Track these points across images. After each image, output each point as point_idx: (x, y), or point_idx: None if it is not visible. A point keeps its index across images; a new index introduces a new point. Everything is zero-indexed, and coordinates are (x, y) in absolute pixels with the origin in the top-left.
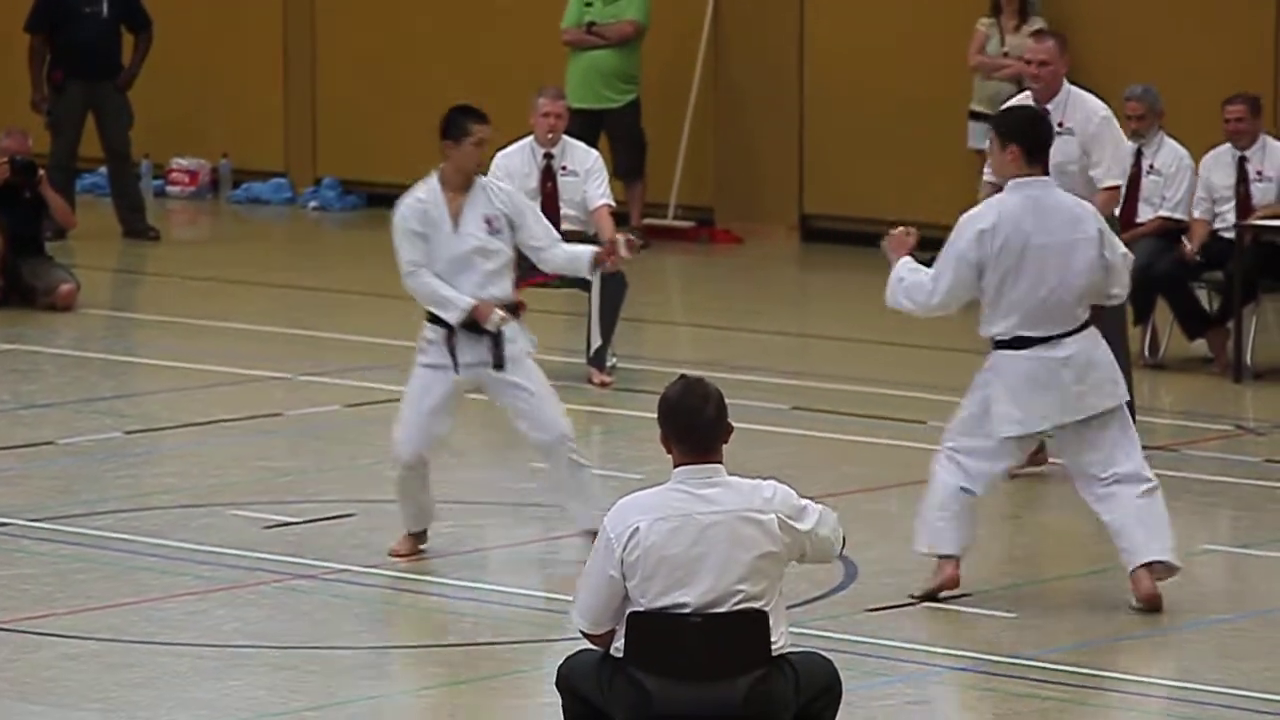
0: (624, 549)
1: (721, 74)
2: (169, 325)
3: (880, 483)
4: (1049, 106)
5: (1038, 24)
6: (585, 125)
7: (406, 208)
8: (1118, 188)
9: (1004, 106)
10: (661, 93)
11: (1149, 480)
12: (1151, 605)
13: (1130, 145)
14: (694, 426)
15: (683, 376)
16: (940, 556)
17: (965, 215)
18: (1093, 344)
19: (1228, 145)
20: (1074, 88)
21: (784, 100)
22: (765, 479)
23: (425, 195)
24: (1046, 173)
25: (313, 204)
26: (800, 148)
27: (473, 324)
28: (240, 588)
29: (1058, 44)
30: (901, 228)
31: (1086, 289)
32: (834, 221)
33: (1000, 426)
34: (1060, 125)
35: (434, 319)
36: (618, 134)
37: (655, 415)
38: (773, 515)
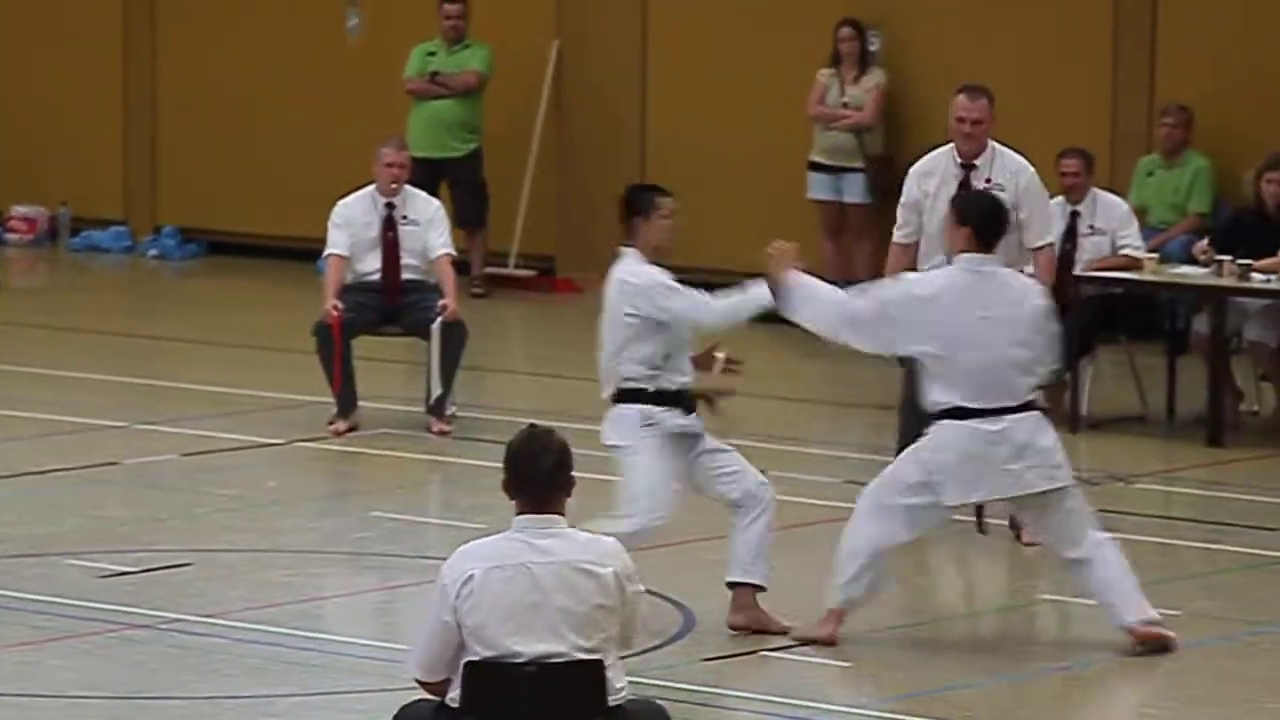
0: (457, 596)
1: (563, 124)
2: (5, 374)
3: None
4: (977, 163)
5: (877, 75)
6: (427, 174)
7: None
8: (1053, 245)
9: (970, 194)
10: (503, 143)
11: (1098, 557)
12: (1160, 645)
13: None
14: (532, 476)
15: (530, 425)
16: (832, 608)
17: (912, 275)
18: (1035, 425)
19: (1060, 199)
20: (998, 145)
21: (625, 150)
22: (607, 536)
23: None
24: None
25: (152, 252)
26: None
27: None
28: (75, 637)
29: (990, 101)
30: (780, 242)
31: (1029, 362)
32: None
33: (941, 494)
34: (988, 181)
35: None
36: (460, 183)
37: (495, 465)
38: (610, 569)
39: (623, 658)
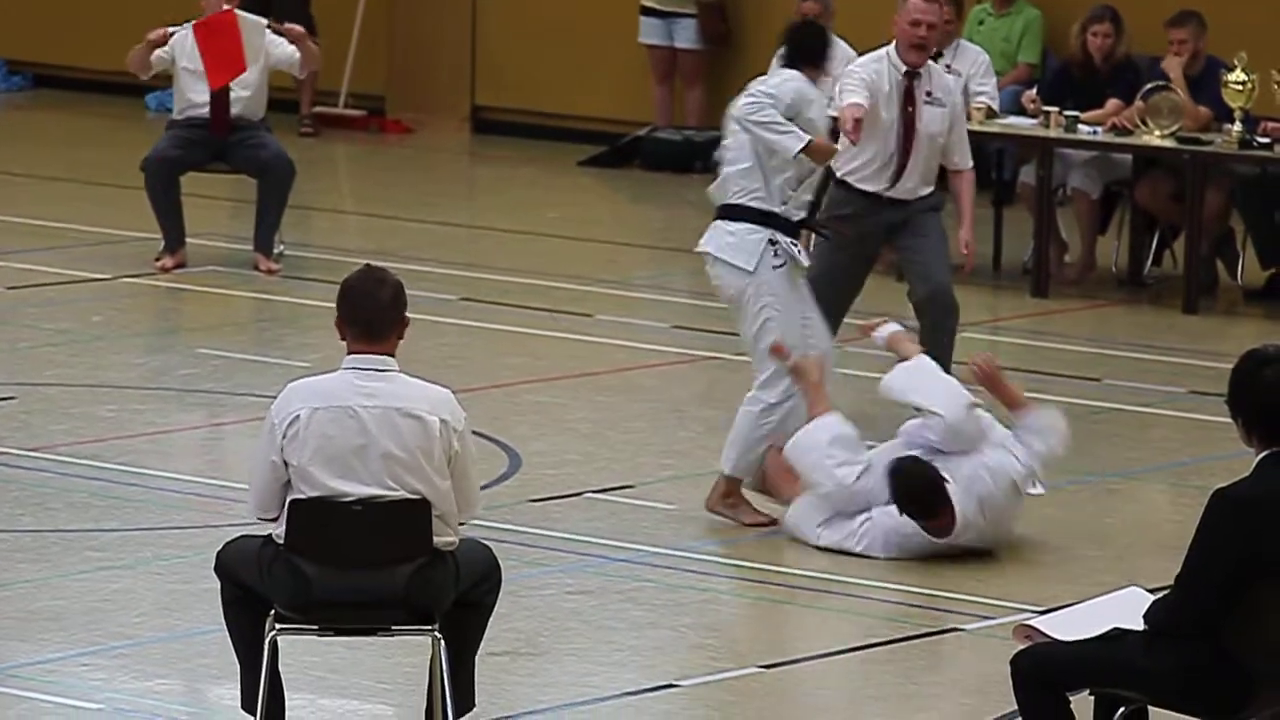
0: (284, 436)
1: None
2: None
3: (546, 374)
4: (920, 73)
5: None
6: (253, 10)
7: None
8: (972, 168)
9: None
10: None
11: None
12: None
13: None
14: (366, 310)
15: (366, 264)
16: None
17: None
18: None
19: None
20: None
21: None
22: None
23: None
24: None
25: None
26: (473, 39)
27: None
28: None
29: (948, 2)
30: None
31: None
32: (505, 114)
33: None
34: (929, 95)
35: None
36: (285, 18)
37: (322, 304)
38: (437, 418)
39: (461, 524)
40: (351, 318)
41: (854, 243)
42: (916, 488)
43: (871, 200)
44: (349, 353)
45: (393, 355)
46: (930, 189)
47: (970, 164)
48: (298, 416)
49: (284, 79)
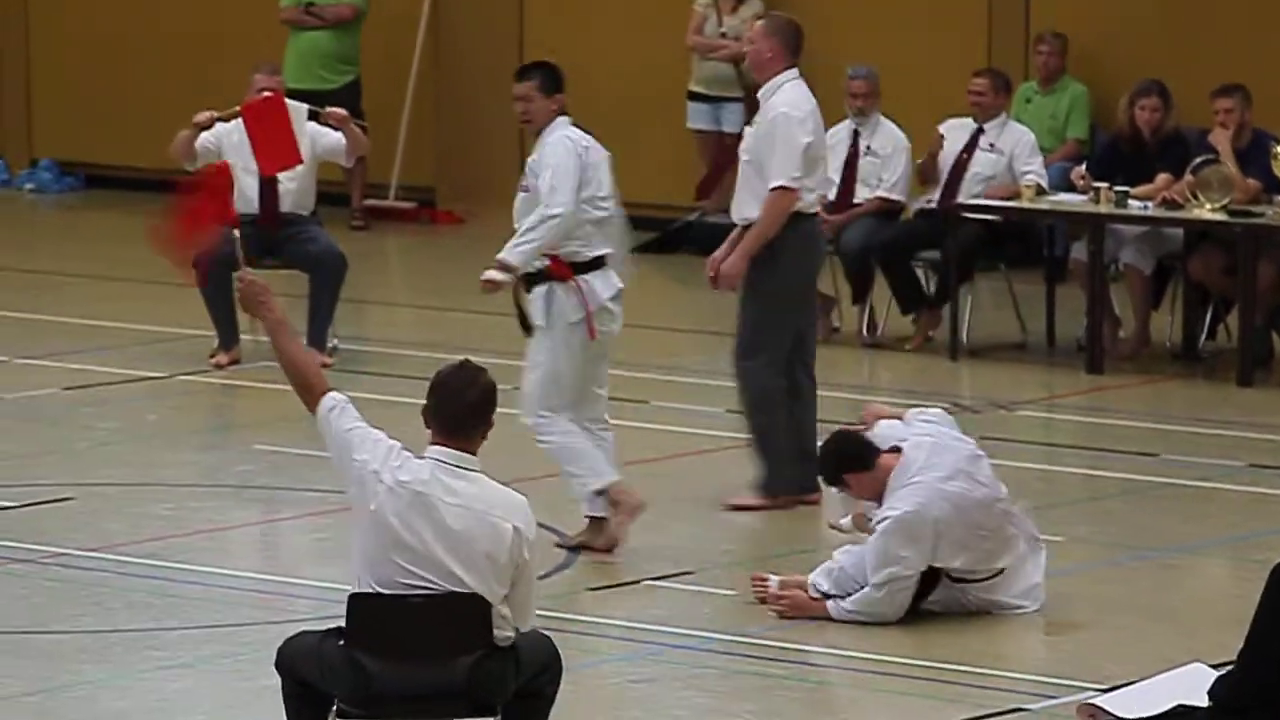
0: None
1: (442, 54)
2: None
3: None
4: (760, 95)
5: (755, 5)
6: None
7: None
8: (781, 189)
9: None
10: (382, 73)
11: None
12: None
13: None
14: (453, 408)
15: (464, 360)
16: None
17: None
18: None
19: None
20: (785, 82)
21: (504, 80)
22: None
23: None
24: None
25: (29, 186)
26: (521, 128)
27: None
28: None
29: (765, 25)
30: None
31: None
32: None
33: None
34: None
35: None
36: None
37: (377, 397)
38: (510, 525)
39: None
40: (438, 413)
41: None
42: (848, 442)
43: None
44: (432, 443)
45: (475, 454)
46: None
47: (777, 183)
48: (382, 480)
49: (333, 172)
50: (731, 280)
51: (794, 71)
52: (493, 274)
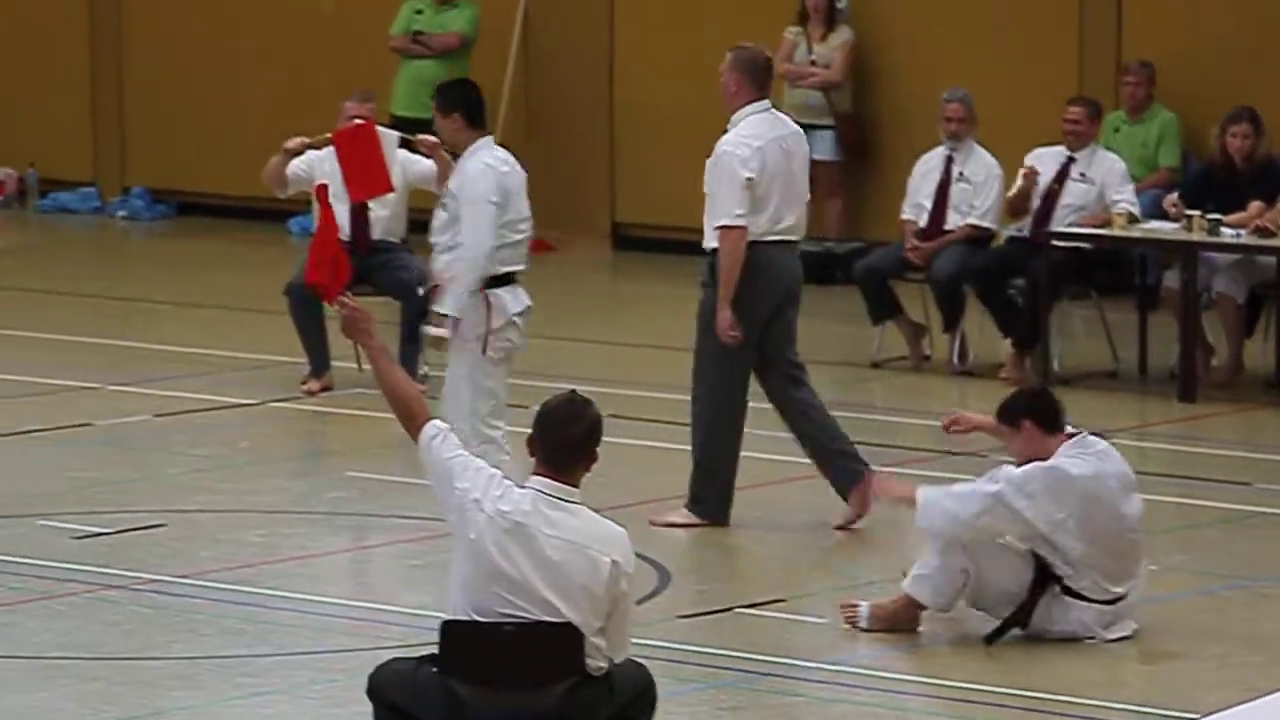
0: (481, 507)
1: (533, 82)
2: None
3: (683, 491)
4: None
5: (845, 32)
6: (411, 134)
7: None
8: (724, 228)
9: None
10: None
11: None
12: None
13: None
14: (557, 440)
15: (572, 390)
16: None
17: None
18: None
19: (1060, 147)
20: (746, 116)
21: (595, 108)
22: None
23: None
24: None
25: (121, 213)
26: (611, 155)
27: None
28: (51, 598)
29: (731, 58)
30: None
31: None
32: (646, 229)
33: None
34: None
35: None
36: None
37: None
38: (608, 558)
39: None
40: (543, 444)
41: None
42: (1050, 400)
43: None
44: (535, 472)
45: (577, 485)
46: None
47: (721, 222)
48: (482, 509)
49: (426, 199)
50: (723, 331)
51: (761, 104)
52: (442, 330)
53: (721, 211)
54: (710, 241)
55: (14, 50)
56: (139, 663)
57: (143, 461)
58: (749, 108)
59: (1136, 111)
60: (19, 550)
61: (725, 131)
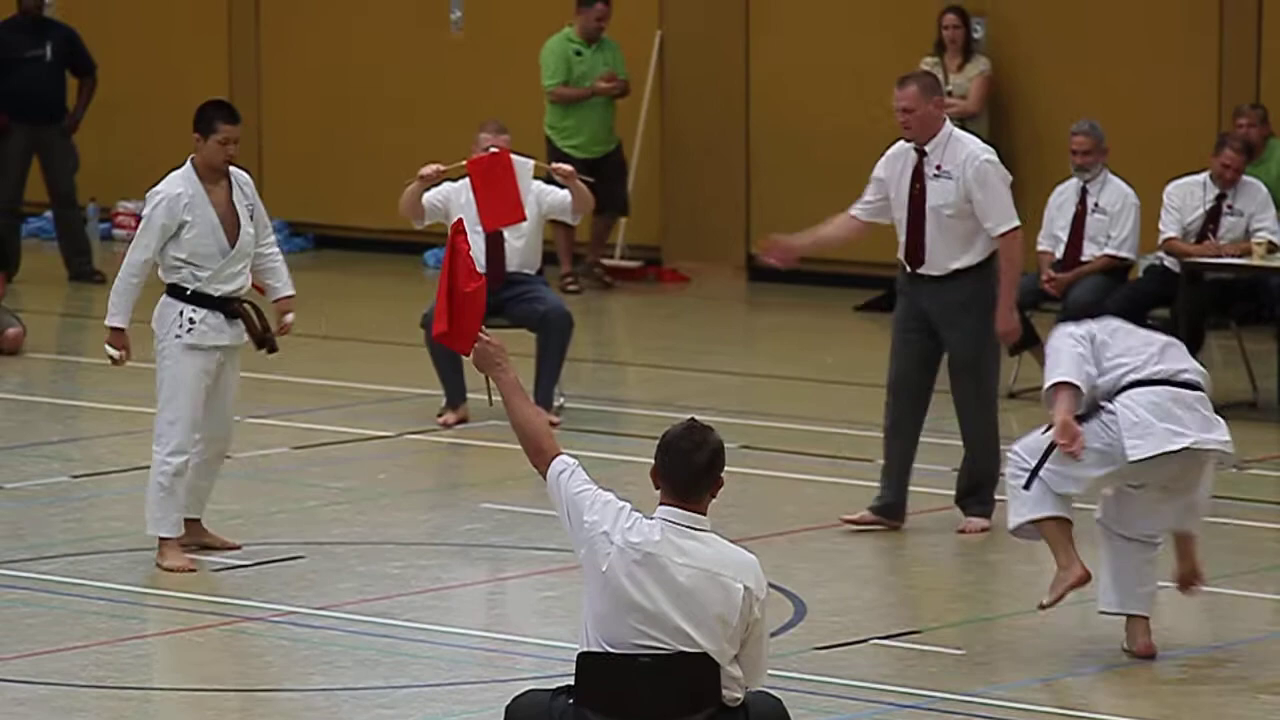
0: (610, 539)
1: (668, 114)
2: (115, 368)
3: (828, 521)
4: (927, 150)
5: (981, 63)
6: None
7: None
8: (1014, 230)
9: None
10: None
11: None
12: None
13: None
14: (681, 470)
15: (691, 418)
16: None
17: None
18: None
19: (1202, 176)
20: (957, 130)
21: (730, 139)
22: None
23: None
24: None
25: None
26: (746, 186)
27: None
28: (190, 630)
29: (920, 88)
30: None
31: None
32: None
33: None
34: (939, 169)
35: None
36: (611, 175)
37: (604, 455)
38: (741, 585)
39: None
40: (667, 474)
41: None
42: None
43: (909, 277)
44: (662, 503)
45: (705, 513)
46: (962, 262)
47: (1007, 227)
48: (612, 543)
49: (582, 230)
50: (1011, 332)
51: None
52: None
53: (1004, 216)
54: (953, 262)
55: (151, 84)
56: (276, 694)
57: (280, 494)
58: (949, 125)
59: (1253, 154)
60: (157, 583)
61: (883, 152)
